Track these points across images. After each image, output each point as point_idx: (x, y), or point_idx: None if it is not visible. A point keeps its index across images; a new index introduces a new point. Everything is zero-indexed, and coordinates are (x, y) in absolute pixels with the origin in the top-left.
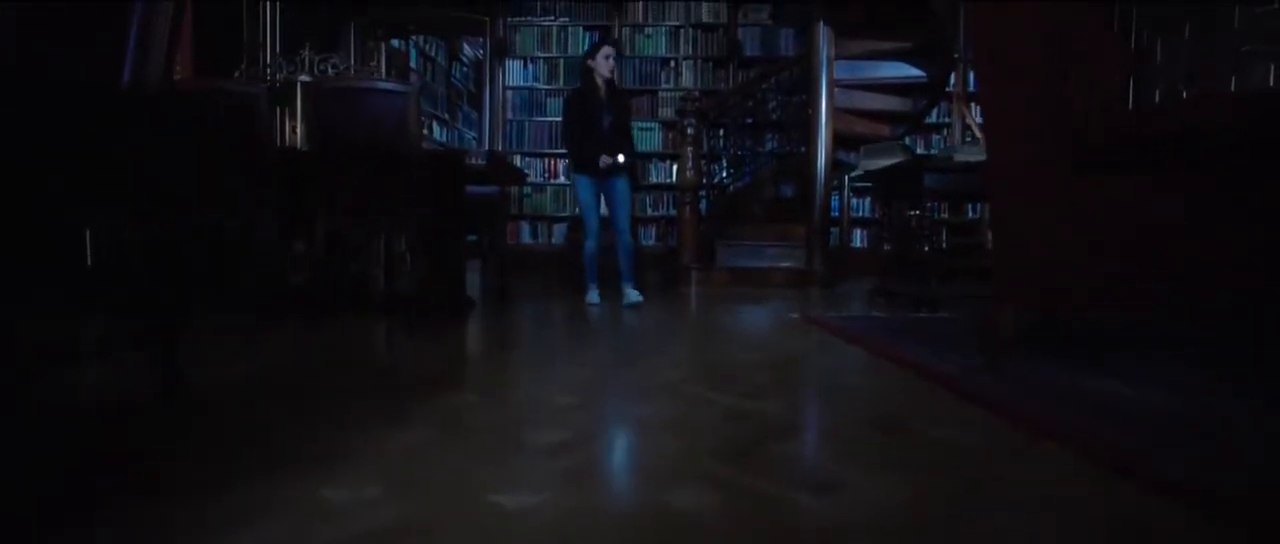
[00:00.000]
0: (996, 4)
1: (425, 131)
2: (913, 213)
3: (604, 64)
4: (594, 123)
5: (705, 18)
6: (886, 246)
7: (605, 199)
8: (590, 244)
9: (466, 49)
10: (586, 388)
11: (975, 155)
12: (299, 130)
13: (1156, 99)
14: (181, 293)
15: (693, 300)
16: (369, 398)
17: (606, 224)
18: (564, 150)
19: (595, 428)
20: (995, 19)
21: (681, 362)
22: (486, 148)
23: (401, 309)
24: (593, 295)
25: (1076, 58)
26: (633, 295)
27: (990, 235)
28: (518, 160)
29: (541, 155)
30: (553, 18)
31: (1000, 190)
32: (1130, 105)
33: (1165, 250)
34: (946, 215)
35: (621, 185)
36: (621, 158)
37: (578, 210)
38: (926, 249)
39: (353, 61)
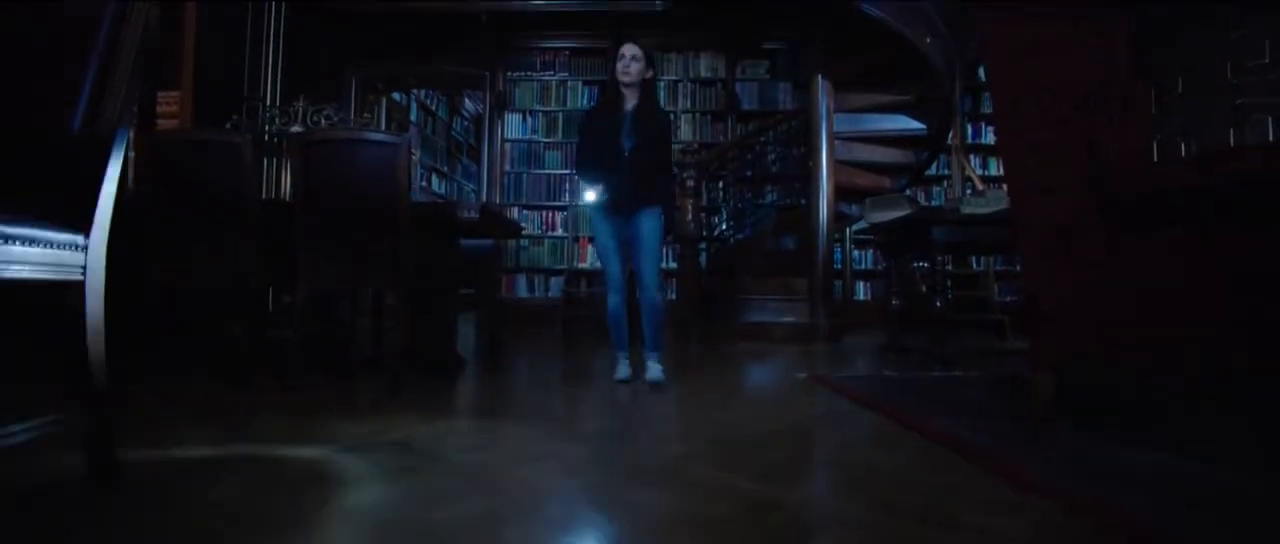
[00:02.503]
0: (1016, 56)
1: (424, 183)
2: (919, 264)
3: (622, 68)
4: (611, 147)
5: (703, 72)
6: (894, 301)
7: (630, 240)
8: (613, 299)
9: (467, 103)
10: (580, 470)
11: (982, 208)
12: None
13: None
14: (117, 352)
15: (694, 357)
16: (330, 481)
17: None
18: (580, 179)
19: (589, 532)
20: (1015, 71)
21: (686, 433)
22: (484, 200)
23: (386, 368)
24: (622, 369)
25: (1104, 110)
26: (655, 371)
27: (996, 288)
28: (515, 213)
29: (539, 208)
30: (552, 72)
31: (1031, 249)
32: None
33: (1207, 307)
34: (950, 267)
35: (649, 226)
36: (591, 196)
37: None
38: (938, 304)
39: (352, 114)
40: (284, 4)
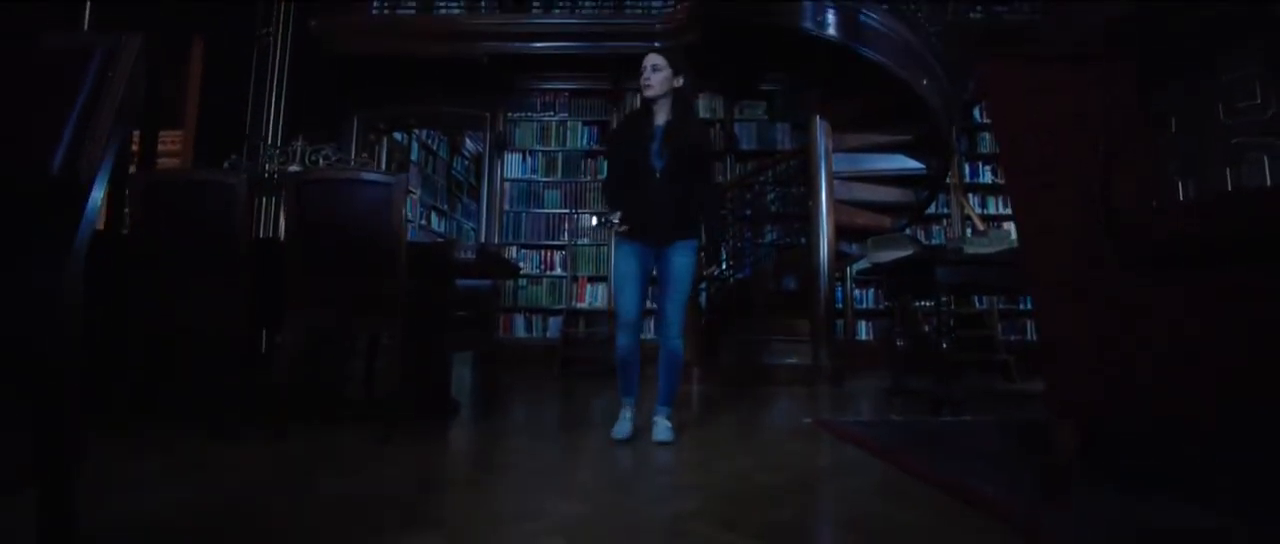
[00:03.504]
0: (1019, 97)
1: (423, 221)
2: (922, 303)
3: (643, 83)
4: (639, 167)
5: (703, 112)
6: (898, 342)
7: (658, 276)
8: (624, 339)
9: (468, 142)
10: (575, 530)
11: (985, 248)
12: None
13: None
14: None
15: (696, 401)
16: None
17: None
18: (608, 205)
19: None
20: (1018, 112)
21: (688, 486)
22: (483, 239)
23: (378, 414)
24: (622, 426)
25: (1114, 148)
26: (663, 429)
27: (1000, 327)
28: (514, 252)
29: (538, 247)
30: (552, 113)
31: (1045, 295)
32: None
33: (1230, 356)
34: (953, 306)
35: (682, 262)
36: (618, 219)
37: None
38: (944, 346)
39: (353, 153)
40: (289, 46)
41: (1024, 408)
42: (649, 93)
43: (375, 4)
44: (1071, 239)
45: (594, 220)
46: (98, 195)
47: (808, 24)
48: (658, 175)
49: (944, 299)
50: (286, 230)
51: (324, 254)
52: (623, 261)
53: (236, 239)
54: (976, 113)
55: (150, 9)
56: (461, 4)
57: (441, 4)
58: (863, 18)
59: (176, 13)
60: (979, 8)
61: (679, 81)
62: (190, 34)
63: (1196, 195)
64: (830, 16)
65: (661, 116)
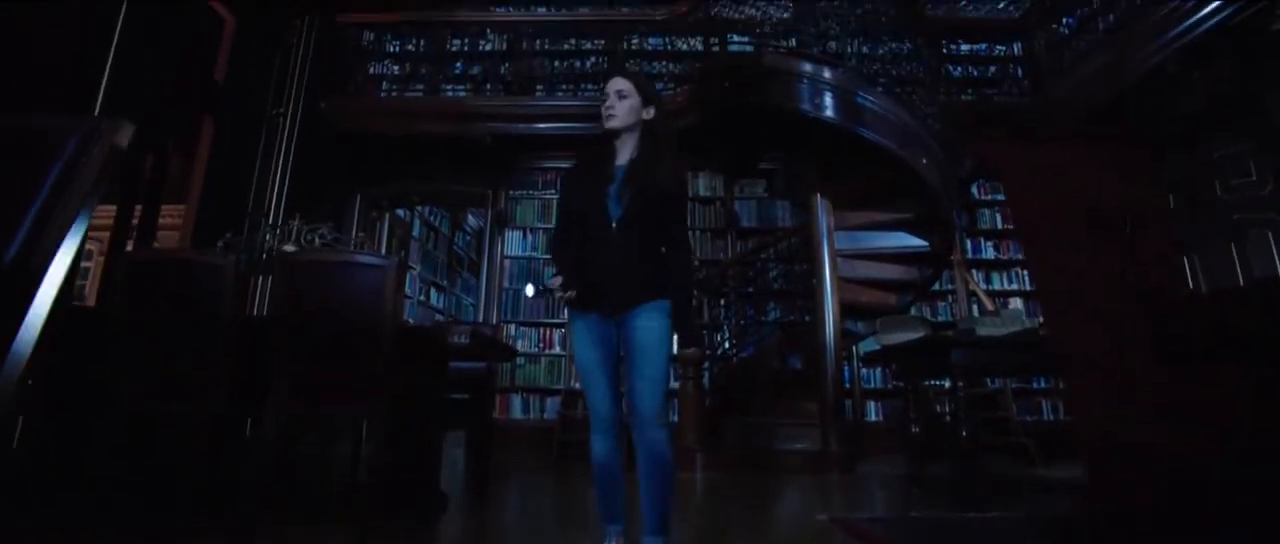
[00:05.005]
0: (1034, 179)
1: (423, 297)
2: (933, 382)
3: (606, 111)
4: (593, 216)
5: (702, 191)
6: (914, 428)
7: (623, 351)
8: (599, 445)
9: (470, 218)
10: None
11: (998, 329)
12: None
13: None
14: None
15: (700, 491)
16: None
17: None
18: (553, 264)
19: None
20: (1035, 194)
21: None
22: (481, 317)
23: (357, 511)
24: None
25: (1137, 232)
26: None
27: (1015, 407)
28: (512, 329)
29: (536, 324)
30: (553, 191)
31: (1081, 384)
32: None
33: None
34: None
35: (649, 329)
36: (556, 286)
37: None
38: (964, 434)
39: (355, 230)
40: (297, 126)
41: (1052, 498)
42: (611, 123)
43: (384, 85)
44: (1105, 325)
45: (530, 289)
46: (49, 289)
47: (806, 106)
48: (614, 225)
49: (959, 384)
50: (272, 314)
51: (311, 339)
52: (580, 343)
53: (221, 321)
54: (974, 189)
55: (164, 88)
56: (467, 86)
57: (448, 86)
58: (860, 99)
59: (189, 93)
60: (969, 90)
61: (649, 113)
62: (201, 113)
63: (1203, 269)
64: (828, 99)
65: (625, 155)
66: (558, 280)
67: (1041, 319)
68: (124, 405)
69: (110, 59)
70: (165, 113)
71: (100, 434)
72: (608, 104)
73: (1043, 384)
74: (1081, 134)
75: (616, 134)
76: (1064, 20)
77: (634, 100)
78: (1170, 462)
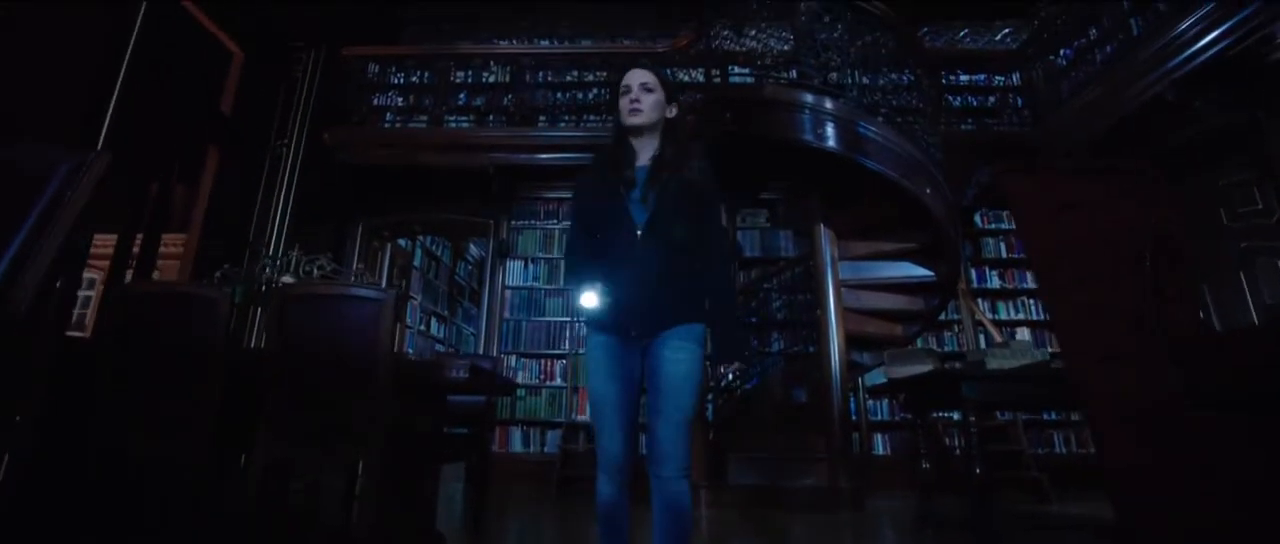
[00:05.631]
0: (1049, 213)
1: (423, 327)
2: (940, 413)
3: (628, 105)
4: (614, 225)
5: None
6: (924, 464)
7: (647, 382)
8: (605, 490)
9: (472, 247)
10: None
11: (1009, 361)
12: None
13: None
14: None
15: (706, 531)
16: None
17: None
18: (568, 280)
19: None
20: (1050, 228)
21: None
22: (481, 348)
23: None
24: None
25: (1158, 268)
26: None
27: (1025, 438)
28: (512, 361)
29: (537, 356)
30: (555, 221)
31: (1108, 429)
32: None
33: None
34: (974, 420)
35: (679, 356)
36: (589, 302)
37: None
38: (977, 470)
39: (355, 260)
40: (300, 156)
41: (1072, 539)
42: (636, 118)
43: (388, 117)
44: (1129, 366)
45: (589, 299)
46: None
47: (808, 136)
48: (639, 232)
49: (971, 419)
50: (265, 349)
51: (304, 375)
52: (596, 370)
53: (212, 357)
54: (977, 218)
55: (168, 119)
56: (470, 118)
57: (451, 117)
58: (861, 129)
59: (196, 124)
60: (969, 120)
61: (672, 111)
62: (206, 144)
63: (1213, 298)
64: (830, 129)
65: (646, 155)
66: (593, 297)
67: (1052, 350)
68: (111, 444)
69: (117, 90)
70: (171, 144)
71: (86, 474)
72: (631, 98)
73: (1054, 416)
74: (1092, 165)
75: (639, 131)
76: (1061, 51)
77: (659, 95)
78: (1202, 510)
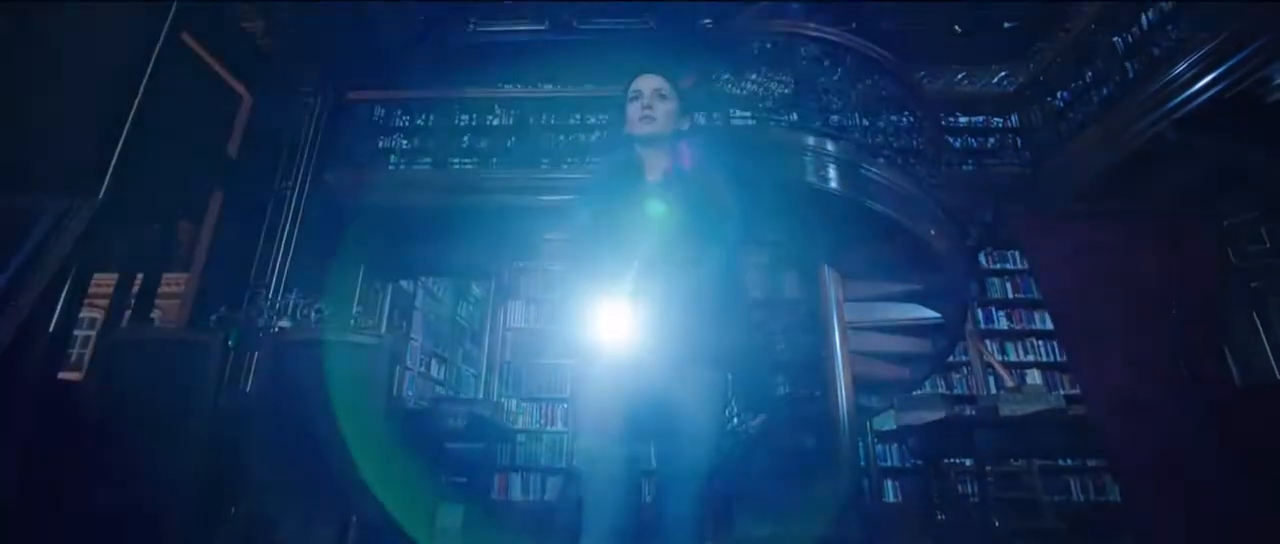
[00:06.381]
0: (1069, 257)
1: (423, 369)
2: (954, 460)
3: (639, 111)
4: (630, 242)
5: None
6: (939, 516)
7: (658, 429)
8: None
9: (474, 288)
10: None
11: (1023, 407)
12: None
13: None
14: None
15: None
16: None
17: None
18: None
19: None
20: (1070, 271)
21: None
22: (481, 392)
23: None
24: None
25: (1194, 318)
26: None
27: (1041, 484)
28: (513, 404)
29: (537, 400)
30: (557, 264)
31: (1136, 479)
32: None
33: None
34: (990, 469)
35: (698, 391)
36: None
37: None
38: (995, 522)
39: (355, 302)
40: (304, 198)
41: None
42: (648, 126)
43: (392, 159)
44: (1161, 417)
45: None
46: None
47: (810, 178)
48: (658, 251)
49: (986, 467)
50: (254, 396)
51: (295, 424)
52: (599, 408)
53: (200, 405)
54: (982, 258)
55: (176, 162)
56: (474, 160)
57: (455, 159)
58: (864, 171)
59: (203, 168)
60: (970, 160)
61: (685, 122)
62: (211, 187)
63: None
64: (832, 171)
65: (657, 171)
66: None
67: (1065, 392)
68: (85, 494)
69: (125, 132)
70: (177, 187)
71: (62, 526)
72: (643, 104)
73: (1070, 462)
74: (1106, 207)
75: (650, 142)
76: (1059, 93)
77: (674, 104)
78: None
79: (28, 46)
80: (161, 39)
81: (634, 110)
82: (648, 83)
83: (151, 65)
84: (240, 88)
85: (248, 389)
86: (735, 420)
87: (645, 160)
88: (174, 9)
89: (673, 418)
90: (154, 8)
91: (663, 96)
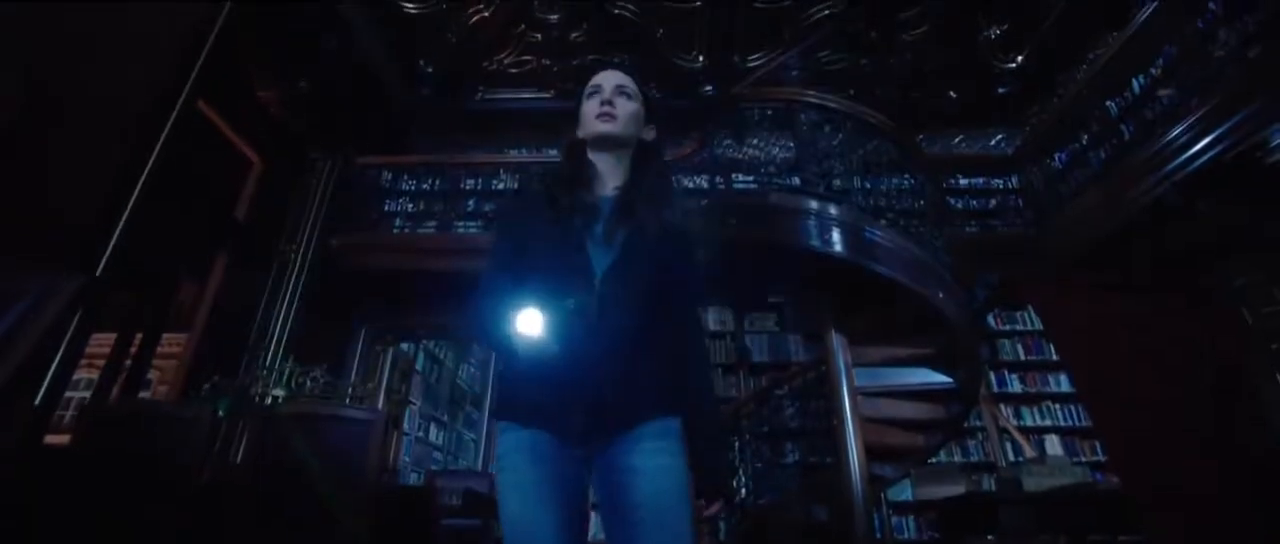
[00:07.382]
0: (1092, 327)
1: (422, 433)
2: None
3: (598, 108)
4: (564, 266)
5: (712, 326)
6: None
7: (604, 509)
8: None
9: (476, 350)
10: None
11: (1047, 480)
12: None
13: None
14: None
15: None
16: None
17: None
18: (484, 333)
19: None
20: (1094, 342)
21: None
22: (481, 456)
23: None
24: None
25: (1232, 395)
26: None
27: None
28: None
29: None
30: None
31: None
32: None
33: None
34: None
35: (656, 465)
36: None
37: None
38: None
39: (355, 367)
40: (306, 261)
41: None
42: (607, 125)
43: (397, 222)
44: (1206, 499)
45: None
46: None
47: (814, 242)
48: (598, 282)
49: None
50: (242, 469)
51: (282, 500)
52: (517, 489)
53: (189, 477)
54: (990, 320)
55: (183, 226)
56: (478, 223)
57: (459, 223)
58: (867, 234)
59: (209, 231)
60: (973, 222)
61: (650, 133)
62: (216, 249)
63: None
64: (835, 234)
65: (612, 182)
66: (533, 320)
67: (1085, 459)
68: None
69: (134, 197)
70: (182, 248)
71: None
72: (603, 99)
73: (1100, 537)
74: (1133, 281)
75: (606, 145)
76: (1057, 155)
77: (638, 106)
78: None
79: (43, 107)
80: (178, 108)
81: (590, 107)
82: (609, 78)
83: (166, 131)
84: (251, 152)
85: (237, 461)
86: (744, 492)
87: (601, 168)
88: (191, 78)
89: (619, 495)
90: (171, 74)
91: (627, 95)
